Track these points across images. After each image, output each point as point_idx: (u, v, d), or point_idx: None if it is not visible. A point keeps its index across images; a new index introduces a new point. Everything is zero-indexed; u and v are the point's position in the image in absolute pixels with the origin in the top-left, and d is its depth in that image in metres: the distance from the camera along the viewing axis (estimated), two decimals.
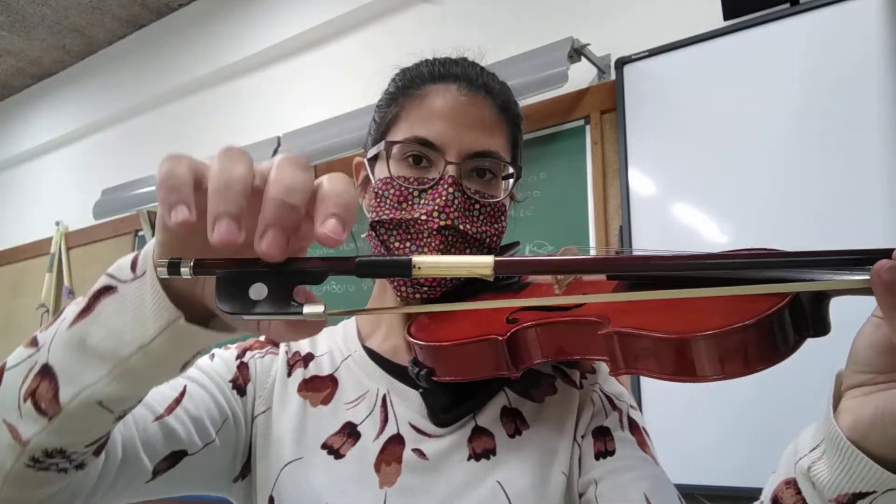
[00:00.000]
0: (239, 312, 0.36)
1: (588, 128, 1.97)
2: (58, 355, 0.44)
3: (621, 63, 1.88)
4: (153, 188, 3.03)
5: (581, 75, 1.98)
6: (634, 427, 0.70)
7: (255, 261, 0.36)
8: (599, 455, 0.67)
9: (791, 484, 0.48)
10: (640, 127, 1.84)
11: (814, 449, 0.48)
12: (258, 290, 0.36)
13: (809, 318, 0.51)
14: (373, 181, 0.72)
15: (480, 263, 0.36)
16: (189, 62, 3.22)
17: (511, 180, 0.75)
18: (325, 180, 0.38)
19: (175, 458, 0.61)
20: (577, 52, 1.93)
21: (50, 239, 3.55)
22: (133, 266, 0.43)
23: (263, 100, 2.95)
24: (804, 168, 1.60)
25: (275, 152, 2.54)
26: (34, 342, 0.47)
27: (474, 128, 0.69)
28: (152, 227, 3.04)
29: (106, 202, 3.09)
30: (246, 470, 0.70)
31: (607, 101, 1.93)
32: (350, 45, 2.69)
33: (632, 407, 0.72)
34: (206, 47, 3.17)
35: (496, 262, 0.36)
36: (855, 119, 1.55)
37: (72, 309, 0.45)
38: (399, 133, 0.71)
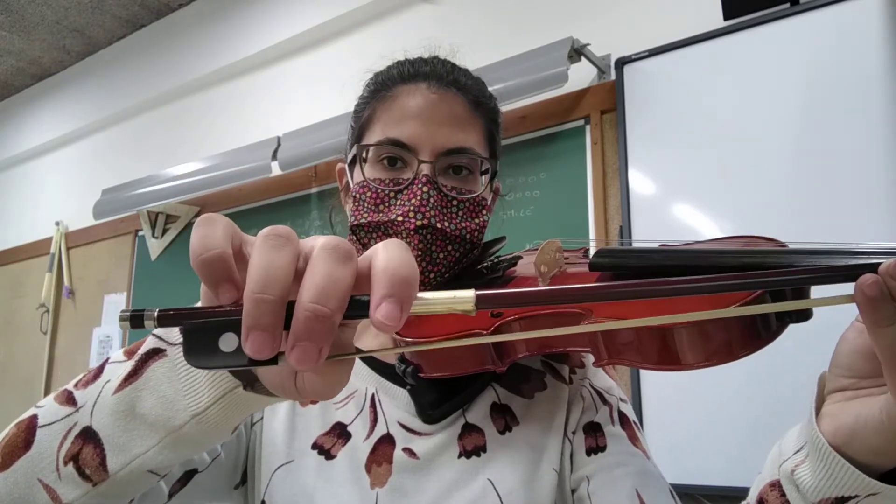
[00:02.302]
0: (209, 366, 0.34)
1: (588, 128, 1.97)
2: (103, 421, 0.42)
3: (621, 63, 1.88)
4: (153, 188, 3.04)
5: (581, 75, 1.98)
6: (625, 421, 0.70)
7: (228, 309, 0.33)
8: (591, 451, 0.67)
9: (776, 486, 0.48)
10: (640, 127, 1.84)
11: (797, 451, 0.48)
12: (228, 341, 0.33)
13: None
14: (351, 185, 0.73)
15: (461, 299, 0.34)
16: (189, 62, 3.22)
17: (488, 174, 0.74)
18: (381, 250, 0.33)
19: (187, 477, 0.61)
20: (577, 52, 1.93)
21: (50, 239, 3.55)
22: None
23: (263, 100, 2.95)
24: (804, 168, 1.60)
25: (275, 152, 2.54)
26: (71, 400, 0.45)
27: (446, 125, 0.69)
28: (152, 227, 3.04)
29: (106, 202, 3.09)
30: (245, 476, 0.71)
31: (607, 101, 1.93)
32: (350, 44, 2.69)
33: (622, 400, 0.72)
34: (206, 47, 3.17)
35: (477, 297, 0.33)
36: (855, 119, 1.55)
37: (114, 369, 0.44)
38: (373, 136, 0.71)
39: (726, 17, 1.75)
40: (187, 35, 3.28)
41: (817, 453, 0.45)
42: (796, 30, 1.66)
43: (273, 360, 0.32)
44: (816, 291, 0.52)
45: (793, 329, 0.52)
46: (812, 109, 1.61)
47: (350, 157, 0.74)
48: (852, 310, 0.40)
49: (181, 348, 0.40)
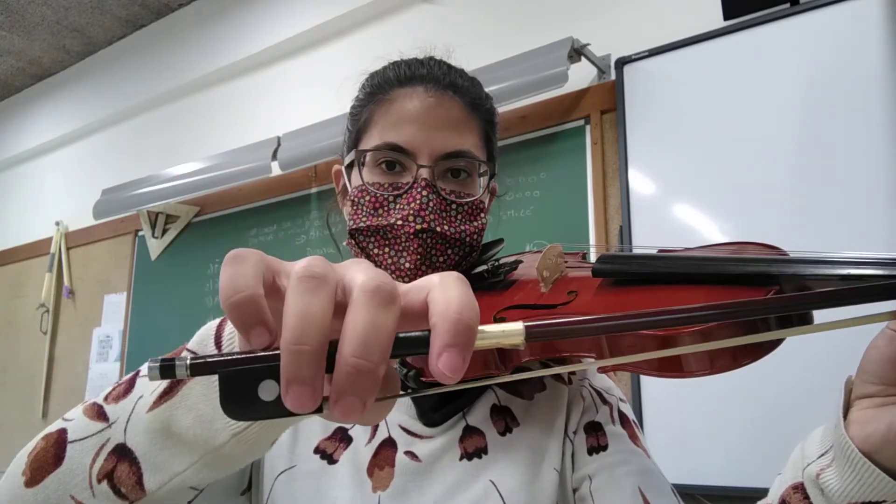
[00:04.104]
0: (250, 418, 0.31)
1: (588, 128, 1.97)
2: (138, 439, 0.41)
3: (621, 63, 1.88)
4: (153, 188, 3.04)
5: (581, 75, 1.98)
6: (625, 420, 0.70)
7: (267, 354, 0.31)
8: (592, 450, 0.67)
9: (799, 489, 0.48)
10: (640, 127, 1.84)
11: (822, 455, 0.48)
12: (268, 390, 0.30)
13: (796, 313, 0.51)
14: (349, 189, 0.73)
15: (510, 332, 0.31)
16: (189, 62, 3.22)
17: (487, 177, 0.75)
18: (439, 287, 0.31)
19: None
20: (577, 52, 1.93)
21: (50, 239, 3.55)
22: (217, 340, 0.39)
23: (263, 100, 2.95)
24: (804, 168, 1.60)
25: (275, 152, 2.54)
26: (102, 415, 0.43)
27: (444, 128, 0.69)
28: (152, 227, 3.04)
29: (106, 202, 3.09)
30: (251, 482, 0.71)
31: (607, 101, 1.93)
32: (350, 44, 2.69)
33: (621, 400, 0.73)
34: (206, 47, 3.17)
35: (527, 330, 0.31)
36: (855, 119, 1.55)
37: (146, 384, 0.42)
38: (370, 140, 0.71)
39: (726, 17, 1.75)
40: (187, 35, 3.28)
41: (845, 459, 0.45)
42: (796, 30, 1.66)
43: (318, 409, 0.30)
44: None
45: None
46: (812, 109, 1.61)
47: (348, 160, 0.74)
48: (850, 310, 0.40)
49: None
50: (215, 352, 0.39)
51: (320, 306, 0.29)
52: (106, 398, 0.45)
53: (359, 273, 0.31)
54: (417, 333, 0.30)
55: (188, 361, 0.31)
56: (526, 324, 0.31)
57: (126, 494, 0.42)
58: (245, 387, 0.30)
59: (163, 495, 0.41)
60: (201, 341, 0.41)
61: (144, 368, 0.43)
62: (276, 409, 0.30)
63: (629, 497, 0.62)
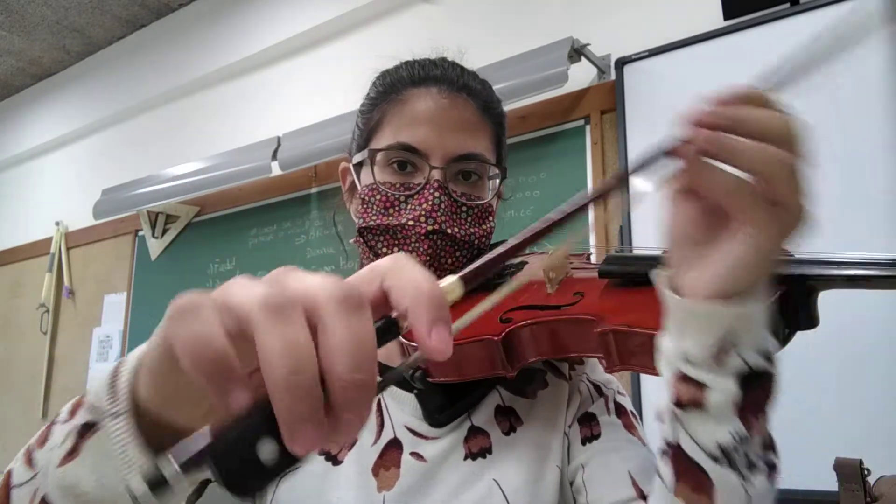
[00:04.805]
0: (260, 488, 0.27)
1: (588, 128, 1.97)
2: (55, 495, 0.39)
3: (621, 63, 1.88)
4: (153, 188, 3.05)
5: (581, 75, 1.98)
6: (622, 411, 0.70)
7: (243, 414, 0.27)
8: (586, 440, 0.68)
9: (678, 378, 0.47)
10: (640, 127, 1.84)
11: (673, 341, 0.47)
12: (267, 449, 0.27)
13: (799, 311, 0.52)
14: (359, 187, 0.73)
15: (449, 288, 0.32)
16: (189, 62, 3.22)
17: (497, 180, 0.75)
18: (391, 272, 0.31)
19: (202, 486, 0.61)
20: (577, 52, 1.93)
21: (50, 239, 3.55)
22: (112, 391, 0.36)
23: (263, 100, 2.95)
24: None
25: (275, 152, 2.54)
26: (31, 462, 0.42)
27: (457, 131, 0.69)
28: (152, 227, 3.05)
29: (106, 202, 3.09)
30: None
31: (607, 101, 1.93)
32: (350, 44, 2.70)
33: (619, 393, 0.73)
34: (205, 47, 3.17)
35: (461, 280, 0.33)
36: (855, 118, 1.55)
37: (59, 432, 0.40)
38: (383, 139, 0.71)
39: (726, 17, 1.75)
40: (187, 35, 3.28)
41: (690, 315, 0.45)
42: (796, 30, 1.66)
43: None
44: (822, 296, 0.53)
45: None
46: (811, 109, 1.61)
47: (357, 158, 0.74)
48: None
49: (113, 423, 0.35)
50: (110, 404, 0.36)
51: (301, 334, 0.27)
52: (37, 440, 0.43)
53: (313, 285, 0.29)
54: (381, 323, 0.30)
55: (175, 466, 0.27)
56: (459, 276, 0.33)
57: None
58: (244, 459, 0.27)
59: None
60: (97, 392, 0.38)
61: (62, 413, 0.40)
62: (284, 463, 0.27)
63: (621, 482, 0.62)
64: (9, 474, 0.44)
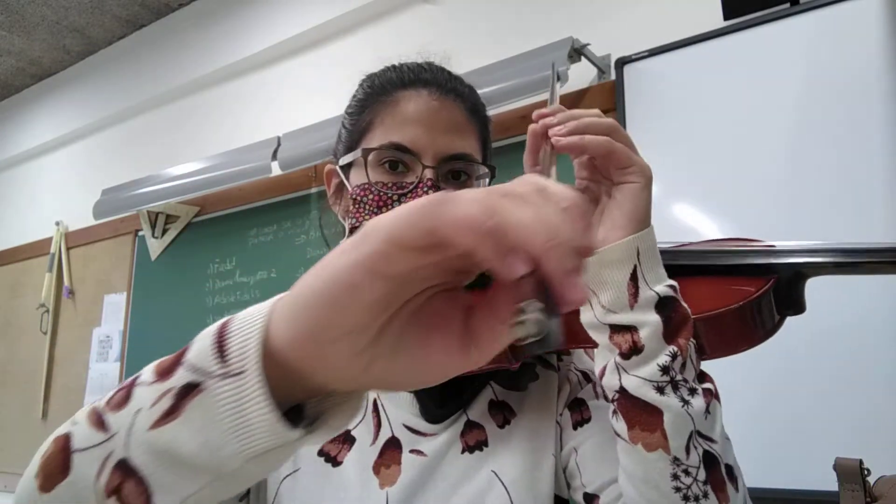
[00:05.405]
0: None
1: None
2: (142, 459, 0.37)
3: (621, 63, 1.88)
4: (153, 188, 3.04)
5: (581, 75, 1.98)
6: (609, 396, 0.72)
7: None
8: (577, 424, 0.70)
9: (612, 332, 0.58)
10: (639, 127, 1.84)
11: (595, 306, 0.59)
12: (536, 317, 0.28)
13: (789, 297, 0.56)
14: (349, 188, 0.74)
15: None
16: (189, 62, 3.22)
17: (484, 179, 0.77)
18: (522, 208, 0.30)
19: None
20: (577, 52, 1.93)
21: (50, 239, 3.55)
22: (220, 351, 0.35)
23: (263, 100, 2.95)
24: (804, 168, 1.60)
25: (275, 152, 2.54)
26: (102, 424, 0.40)
27: (447, 131, 0.71)
28: (152, 227, 3.04)
29: (106, 202, 3.09)
30: (249, 488, 0.71)
31: (607, 101, 1.93)
32: (350, 45, 2.70)
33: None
34: (206, 47, 3.17)
35: None
36: (855, 119, 1.55)
37: (144, 395, 0.38)
38: (374, 140, 0.72)
39: (726, 17, 1.75)
40: (187, 35, 3.28)
41: (607, 266, 0.58)
42: (796, 30, 1.66)
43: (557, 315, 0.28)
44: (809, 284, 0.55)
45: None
46: (812, 109, 1.61)
47: (347, 159, 0.75)
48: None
49: (225, 386, 0.34)
50: (218, 365, 0.35)
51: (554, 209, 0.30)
52: (108, 403, 0.41)
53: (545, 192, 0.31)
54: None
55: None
56: None
57: None
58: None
59: None
60: (200, 353, 0.37)
61: (144, 374, 0.40)
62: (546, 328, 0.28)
63: (614, 463, 0.63)
64: (65, 438, 0.42)
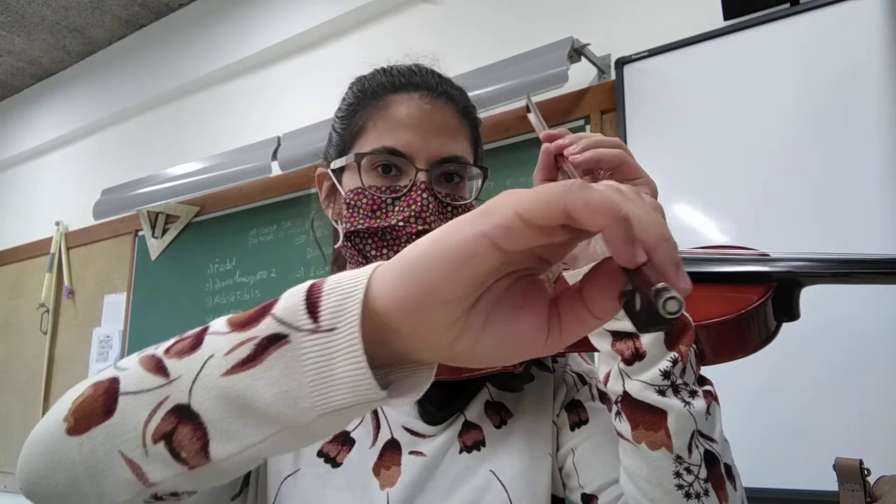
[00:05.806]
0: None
1: (588, 128, 1.97)
2: (206, 404, 0.37)
3: (621, 63, 1.88)
4: (153, 188, 3.04)
5: (581, 75, 1.98)
6: (605, 398, 0.74)
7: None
8: (574, 426, 0.71)
9: (615, 340, 0.60)
10: (640, 127, 1.84)
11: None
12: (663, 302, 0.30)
13: (786, 305, 0.58)
14: (342, 192, 0.74)
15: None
16: (189, 62, 3.22)
17: (477, 180, 0.78)
18: (632, 205, 0.32)
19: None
20: (577, 52, 1.93)
21: (50, 239, 3.55)
22: (312, 309, 0.35)
23: (263, 100, 2.95)
24: (804, 168, 1.60)
25: (275, 152, 2.54)
26: (161, 369, 0.39)
27: (439, 134, 0.72)
28: (152, 227, 3.04)
29: (106, 202, 3.09)
30: (244, 485, 0.71)
31: (607, 101, 1.93)
32: (350, 45, 2.70)
33: (600, 382, 0.77)
34: (206, 47, 3.17)
35: None
36: (855, 119, 1.55)
37: (217, 343, 0.38)
38: (366, 144, 0.73)
39: (726, 17, 1.75)
40: (187, 35, 3.28)
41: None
42: (796, 30, 1.66)
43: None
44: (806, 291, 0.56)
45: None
46: (812, 109, 1.61)
47: (340, 163, 0.76)
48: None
49: (313, 340, 0.34)
50: (309, 321, 0.35)
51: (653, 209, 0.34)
52: (167, 351, 0.40)
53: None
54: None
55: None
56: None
57: (186, 459, 0.38)
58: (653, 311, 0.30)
59: (229, 466, 0.38)
60: (289, 308, 0.36)
61: (215, 325, 0.39)
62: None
63: (611, 464, 0.65)
64: (111, 382, 0.41)
